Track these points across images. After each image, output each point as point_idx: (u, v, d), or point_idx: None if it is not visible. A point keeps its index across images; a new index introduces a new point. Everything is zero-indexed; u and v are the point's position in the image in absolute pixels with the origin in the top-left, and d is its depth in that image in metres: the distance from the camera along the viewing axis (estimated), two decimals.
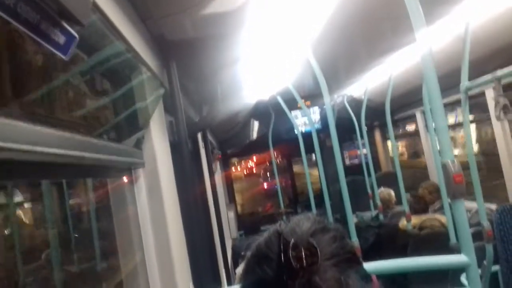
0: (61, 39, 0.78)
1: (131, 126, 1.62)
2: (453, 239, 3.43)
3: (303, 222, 0.69)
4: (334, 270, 0.64)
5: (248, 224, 7.25)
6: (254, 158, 9.50)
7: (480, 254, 2.83)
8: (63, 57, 0.80)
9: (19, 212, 2.13)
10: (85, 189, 2.10)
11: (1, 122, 0.75)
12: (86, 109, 1.39)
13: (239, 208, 8.52)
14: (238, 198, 8.73)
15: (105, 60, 1.39)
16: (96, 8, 1.02)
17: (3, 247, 2.02)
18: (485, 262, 2.89)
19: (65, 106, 1.28)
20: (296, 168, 9.12)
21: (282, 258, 0.63)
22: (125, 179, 1.61)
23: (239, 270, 3.22)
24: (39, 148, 0.87)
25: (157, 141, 1.75)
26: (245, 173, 9.60)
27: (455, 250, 3.15)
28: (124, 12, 1.40)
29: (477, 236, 2.75)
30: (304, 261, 0.62)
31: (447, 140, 1.86)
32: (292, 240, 0.63)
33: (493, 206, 3.88)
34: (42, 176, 1.24)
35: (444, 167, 1.83)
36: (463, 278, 3.01)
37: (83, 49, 1.27)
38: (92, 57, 1.34)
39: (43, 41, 0.73)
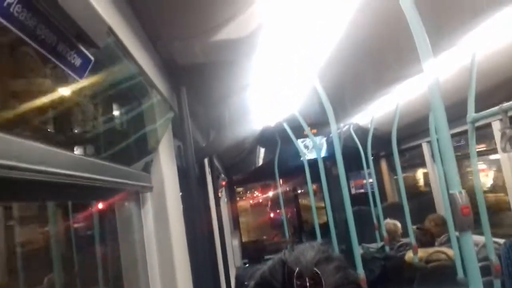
0: (78, 61, 0.79)
1: (140, 150, 1.62)
2: (460, 274, 3.37)
3: (307, 251, 0.68)
4: None
5: (252, 252, 7.16)
6: (259, 186, 9.46)
7: None
8: (78, 79, 0.81)
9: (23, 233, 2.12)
10: (91, 211, 2.09)
11: (13, 142, 0.76)
12: (96, 132, 1.40)
13: (243, 236, 8.43)
14: (242, 226, 8.65)
15: (116, 83, 1.41)
16: (111, 32, 1.04)
17: (5, 269, 2.00)
18: None
19: (76, 128, 1.29)
20: (301, 200, 9.07)
21: (287, 287, 0.63)
22: (132, 202, 1.60)
23: None
24: (49, 168, 0.88)
25: (165, 165, 1.75)
26: (251, 202, 9.54)
27: (463, 285, 3.09)
28: (136, 36, 1.43)
29: (485, 270, 2.70)
30: None
31: (454, 171, 1.84)
32: (297, 269, 0.63)
33: (501, 240, 3.82)
34: (51, 196, 1.24)
35: (452, 198, 1.81)
36: None
37: (95, 71, 1.29)
38: (104, 80, 1.36)
39: (60, 63, 0.74)
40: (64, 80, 1.08)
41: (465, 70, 2.95)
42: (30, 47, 0.69)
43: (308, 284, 0.62)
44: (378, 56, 3.04)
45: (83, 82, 1.03)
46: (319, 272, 0.63)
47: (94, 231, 2.11)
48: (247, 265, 6.77)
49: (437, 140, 2.40)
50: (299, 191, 9.13)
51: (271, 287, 0.66)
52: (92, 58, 0.86)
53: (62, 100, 1.16)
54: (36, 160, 0.82)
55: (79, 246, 2.26)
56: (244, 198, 9.61)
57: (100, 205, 1.80)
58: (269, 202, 9.69)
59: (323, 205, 6.56)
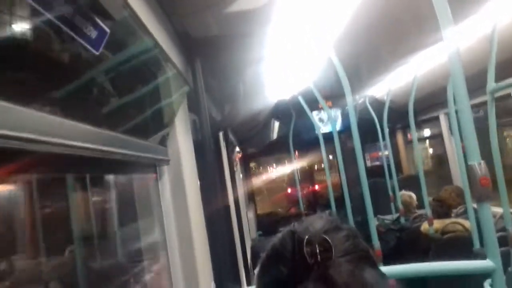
0: (93, 33, 0.79)
1: (156, 123, 1.63)
2: (476, 245, 3.36)
3: (316, 221, 0.70)
4: (348, 265, 0.64)
5: (267, 225, 7.23)
6: (274, 160, 9.46)
7: (505, 261, 2.76)
8: (94, 52, 0.81)
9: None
10: (109, 185, 2.12)
11: (32, 115, 0.76)
12: (113, 105, 1.41)
13: (258, 209, 8.48)
14: (257, 199, 8.69)
15: (131, 57, 1.40)
16: (126, 4, 1.03)
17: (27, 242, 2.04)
18: (510, 268, 2.82)
19: (94, 102, 1.29)
20: (317, 172, 9.08)
21: (296, 255, 0.64)
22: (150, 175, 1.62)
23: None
24: (67, 141, 0.89)
25: (181, 139, 1.75)
26: (265, 176, 9.52)
27: (479, 256, 3.08)
28: (150, 9, 1.41)
29: (502, 241, 2.68)
30: (319, 256, 0.63)
31: (474, 142, 1.81)
32: (307, 237, 0.64)
33: None
34: (69, 169, 1.26)
35: (471, 169, 1.79)
36: (487, 285, 2.94)
37: (110, 45, 1.28)
38: (119, 54, 1.36)
39: (77, 36, 0.73)
40: (80, 53, 1.08)
41: (485, 39, 2.88)
42: (47, 20, 0.69)
43: (317, 250, 0.63)
44: (395, 25, 2.97)
45: (100, 56, 1.02)
46: (328, 239, 0.63)
47: (114, 203, 2.14)
48: (262, 236, 6.85)
49: (456, 111, 2.36)
50: (314, 165, 9.12)
51: (282, 258, 0.67)
52: (108, 30, 0.85)
53: (78, 73, 1.15)
54: (55, 133, 0.83)
55: (99, 219, 2.30)
56: (258, 171, 9.62)
57: (119, 178, 1.82)
58: (285, 176, 9.69)
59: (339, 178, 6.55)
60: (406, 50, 3.66)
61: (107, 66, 1.34)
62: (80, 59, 1.13)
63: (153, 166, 1.61)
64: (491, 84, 2.78)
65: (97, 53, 0.83)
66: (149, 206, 1.64)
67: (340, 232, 0.68)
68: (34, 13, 0.65)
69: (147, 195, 1.65)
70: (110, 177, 1.87)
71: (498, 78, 2.77)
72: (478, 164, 1.77)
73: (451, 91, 3.47)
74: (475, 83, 2.92)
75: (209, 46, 2.09)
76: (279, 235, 0.72)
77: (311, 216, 0.74)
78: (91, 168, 1.18)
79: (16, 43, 0.86)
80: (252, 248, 5.53)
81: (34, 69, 0.98)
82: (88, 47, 0.79)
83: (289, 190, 9.48)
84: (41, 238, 2.05)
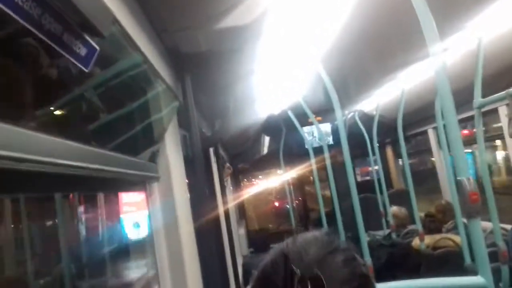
0: (83, 51, 0.79)
1: (146, 140, 1.62)
2: (467, 260, 3.36)
3: (310, 246, 0.65)
4: None
5: (258, 241, 7.17)
6: (265, 175, 9.44)
7: (495, 276, 2.75)
8: (84, 69, 0.80)
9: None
10: (99, 202, 2.10)
11: (19, 133, 0.75)
12: (101, 122, 1.39)
13: (249, 225, 8.42)
14: (248, 214, 8.65)
15: (121, 73, 1.40)
16: (116, 21, 1.03)
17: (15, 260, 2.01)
18: (501, 284, 2.82)
19: (81, 119, 1.28)
20: (308, 188, 9.07)
21: (288, 285, 0.61)
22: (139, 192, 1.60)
23: None
24: (55, 160, 0.87)
25: (172, 155, 1.74)
26: (256, 191, 9.47)
27: (470, 271, 3.08)
28: (140, 25, 1.41)
29: (492, 257, 2.68)
30: None
31: (462, 157, 1.81)
32: (298, 271, 0.60)
33: (508, 226, 3.81)
34: (58, 188, 1.24)
35: (460, 185, 1.78)
36: None
37: (99, 61, 1.27)
38: (108, 70, 1.35)
39: (66, 53, 0.73)
40: (69, 70, 1.07)
41: (471, 55, 2.92)
42: (34, 37, 0.68)
43: (309, 286, 0.59)
44: (383, 42, 3.01)
45: (89, 72, 1.02)
46: (320, 274, 0.60)
47: (103, 222, 2.11)
48: (253, 253, 6.80)
49: (444, 126, 2.38)
50: (305, 179, 9.10)
51: (273, 284, 0.64)
52: (97, 47, 0.85)
53: (67, 89, 1.15)
54: (43, 151, 0.82)
55: (87, 238, 2.27)
56: (249, 186, 9.58)
57: (107, 197, 1.80)
58: (275, 191, 9.66)
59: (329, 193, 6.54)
60: (394, 65, 3.70)
61: (96, 82, 1.33)
62: (69, 75, 1.12)
63: (143, 183, 1.59)
64: (477, 99, 2.82)
65: (86, 70, 0.82)
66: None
67: (337, 257, 0.63)
68: (21, 30, 0.65)
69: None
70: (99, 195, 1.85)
71: (485, 93, 2.80)
72: (467, 179, 1.76)
73: (439, 106, 3.51)
74: (464, 98, 2.96)
75: (199, 61, 2.09)
76: (271, 254, 0.68)
77: (305, 234, 0.69)
78: (78, 186, 1.17)
79: (2, 60, 0.85)
80: (244, 265, 5.47)
81: (21, 86, 0.97)
82: (78, 64, 0.78)
83: (277, 204, 9.45)
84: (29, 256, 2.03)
